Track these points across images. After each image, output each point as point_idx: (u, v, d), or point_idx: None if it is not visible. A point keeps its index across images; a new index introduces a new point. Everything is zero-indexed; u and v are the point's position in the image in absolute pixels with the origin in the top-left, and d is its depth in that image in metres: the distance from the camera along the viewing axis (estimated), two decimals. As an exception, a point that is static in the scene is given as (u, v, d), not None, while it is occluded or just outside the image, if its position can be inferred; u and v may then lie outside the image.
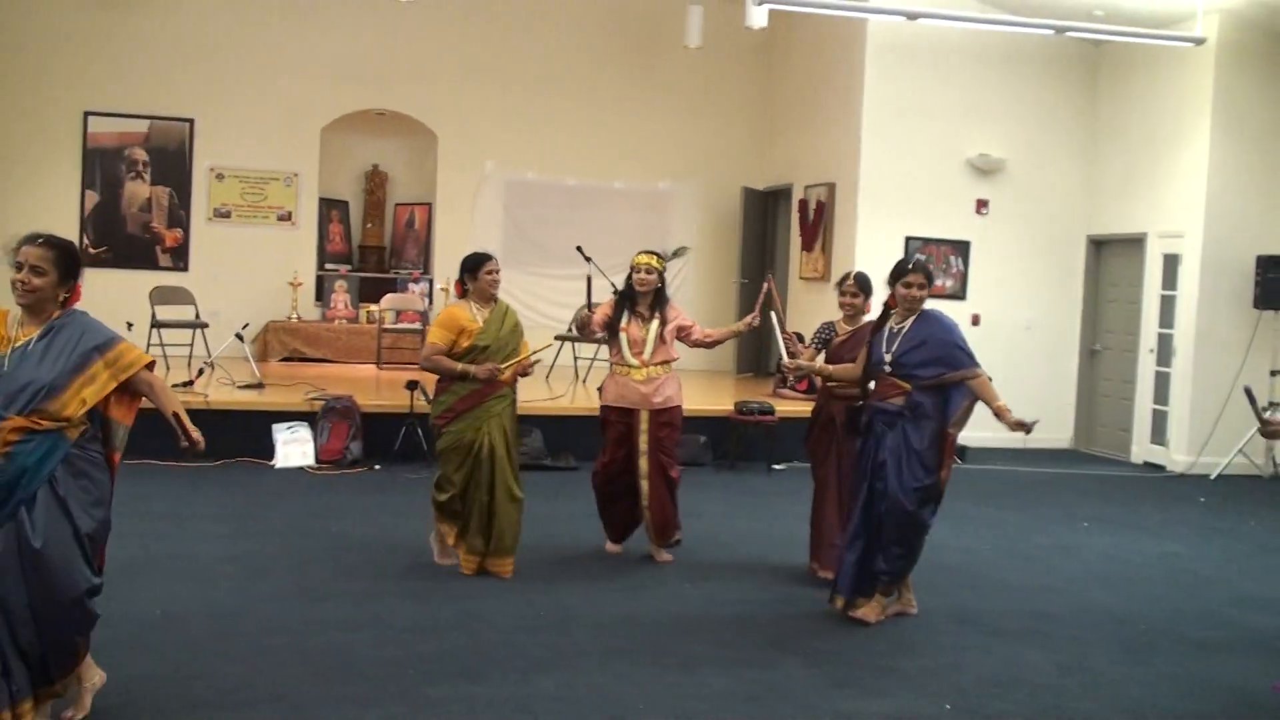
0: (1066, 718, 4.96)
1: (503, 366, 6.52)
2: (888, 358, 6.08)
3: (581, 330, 7.47)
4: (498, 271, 6.68)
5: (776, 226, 15.37)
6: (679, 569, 7.07)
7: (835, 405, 6.79)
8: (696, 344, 7.20)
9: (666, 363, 7.06)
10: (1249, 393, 5.75)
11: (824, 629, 6.03)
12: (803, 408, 11.52)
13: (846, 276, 7.07)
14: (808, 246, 13.79)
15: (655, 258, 7.07)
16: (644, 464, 6.99)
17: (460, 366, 6.47)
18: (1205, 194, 11.67)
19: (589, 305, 8.42)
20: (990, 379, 6.06)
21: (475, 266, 6.66)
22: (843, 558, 6.19)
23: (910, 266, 6.26)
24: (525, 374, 6.86)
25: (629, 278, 7.10)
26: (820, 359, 6.99)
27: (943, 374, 5.98)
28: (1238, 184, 11.73)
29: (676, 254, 7.24)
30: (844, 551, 6.19)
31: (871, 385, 6.25)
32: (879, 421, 6.07)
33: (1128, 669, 5.63)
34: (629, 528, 7.30)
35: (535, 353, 6.80)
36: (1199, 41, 11.31)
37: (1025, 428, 5.77)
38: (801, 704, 4.95)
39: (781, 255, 15.10)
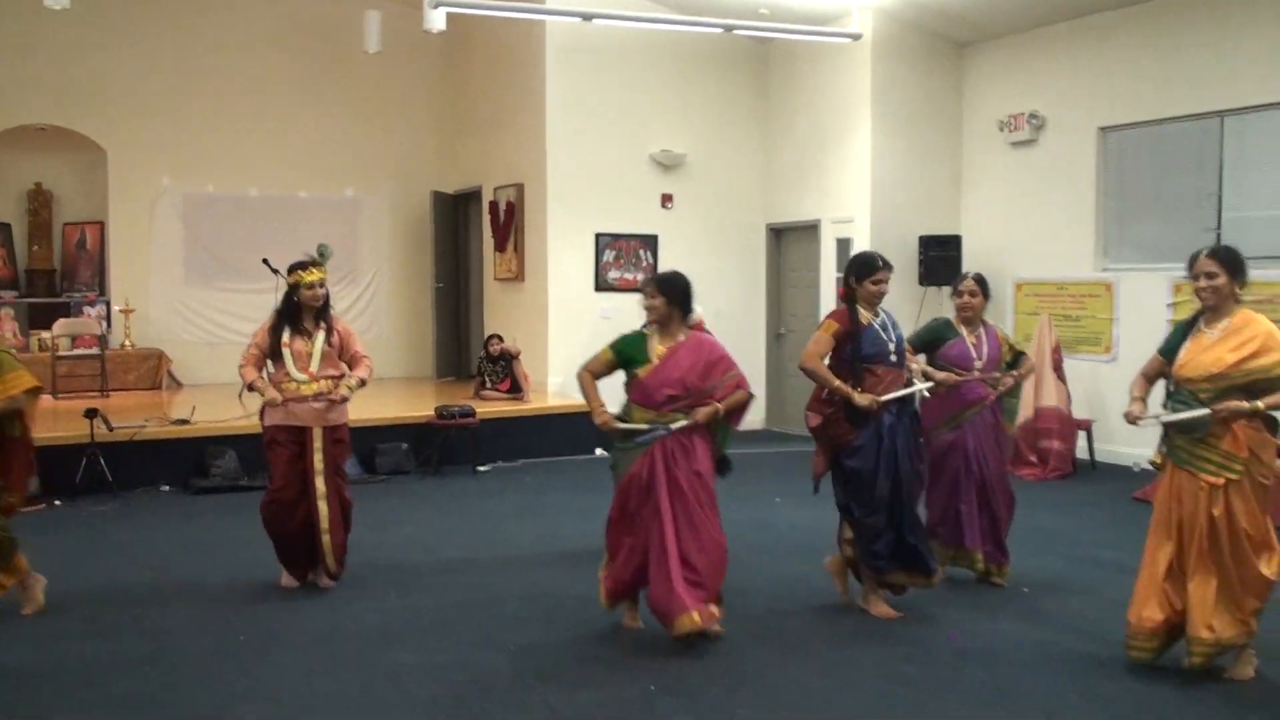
0: (764, 685, 5.17)
1: None
2: (891, 347, 6.11)
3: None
4: None
5: (469, 229, 15.38)
6: (383, 578, 6.96)
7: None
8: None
9: (335, 376, 6.63)
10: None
11: (528, 624, 6.08)
12: (505, 408, 11.63)
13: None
14: (500, 247, 13.84)
15: (320, 270, 6.63)
16: (321, 484, 6.55)
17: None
18: (870, 181, 12.40)
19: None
20: None
21: None
22: (924, 543, 6.20)
23: (881, 264, 6.18)
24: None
25: (290, 295, 6.61)
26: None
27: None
28: (898, 171, 12.52)
29: (323, 256, 6.87)
30: (923, 536, 6.24)
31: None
32: (889, 411, 6.06)
33: (819, 633, 5.94)
34: (311, 559, 6.71)
35: None
36: (856, 37, 12.00)
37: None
38: (510, 701, 4.98)
39: (475, 257, 15.13)
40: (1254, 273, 9.94)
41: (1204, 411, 4.97)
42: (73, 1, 10.38)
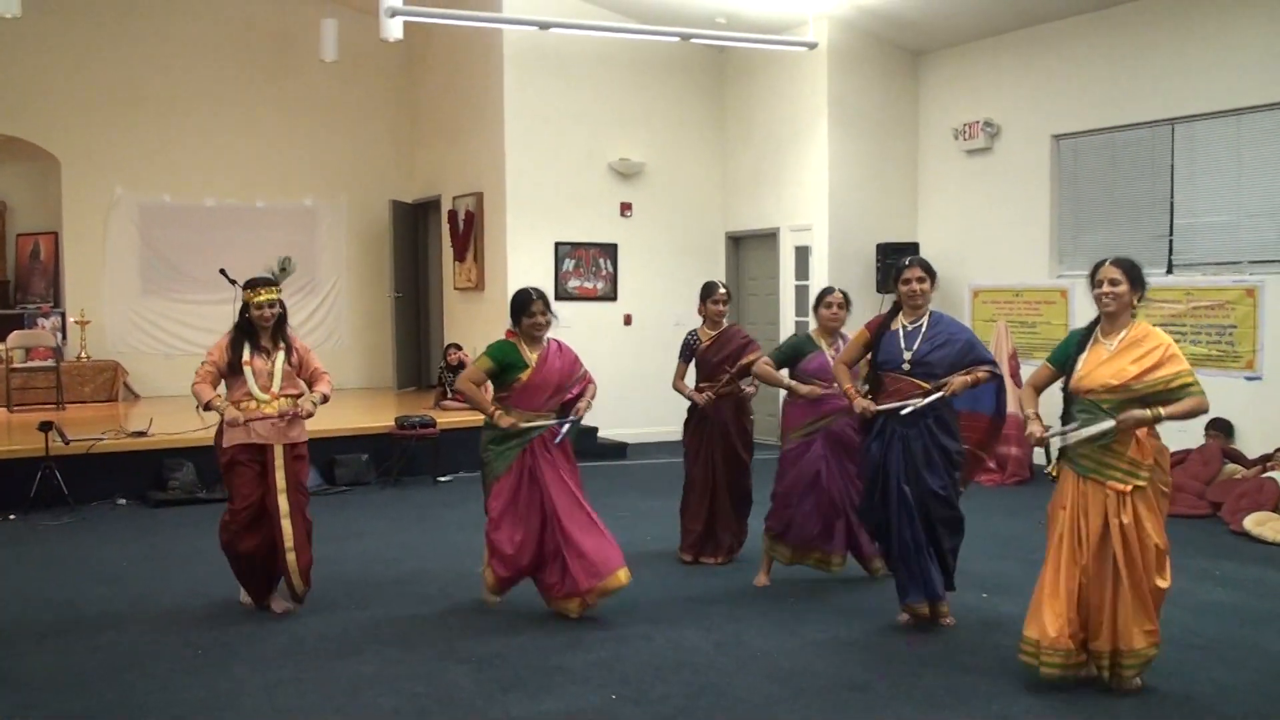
0: (723, 692, 5.20)
1: None
2: (907, 356, 5.96)
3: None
4: None
5: (428, 238, 15.35)
6: (343, 590, 6.93)
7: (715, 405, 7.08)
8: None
9: (295, 396, 6.52)
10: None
11: (489, 634, 6.08)
12: (465, 418, 11.60)
13: (714, 286, 7.61)
14: (460, 256, 13.83)
15: (273, 289, 6.51)
16: (284, 503, 6.41)
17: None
18: (828, 189, 12.48)
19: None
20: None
21: None
22: (909, 568, 5.99)
23: (907, 262, 6.15)
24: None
25: (244, 312, 6.52)
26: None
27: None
28: (855, 178, 12.61)
29: (285, 269, 6.83)
30: (910, 562, 5.98)
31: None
32: (895, 422, 5.92)
33: (779, 641, 5.96)
34: (272, 579, 6.58)
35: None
36: (812, 46, 12.08)
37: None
38: (472, 712, 4.98)
39: (434, 267, 15.10)
40: (1204, 278, 10.17)
41: (1109, 424, 5.00)
42: (25, 10, 10.28)
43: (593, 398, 6.61)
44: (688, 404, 7.74)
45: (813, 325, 7.28)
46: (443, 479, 10.88)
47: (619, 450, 12.19)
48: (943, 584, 6.07)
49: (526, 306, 6.39)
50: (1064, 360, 5.29)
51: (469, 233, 13.57)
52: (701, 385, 7.71)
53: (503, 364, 6.36)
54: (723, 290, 7.59)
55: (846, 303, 7.13)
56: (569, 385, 6.51)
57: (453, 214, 13.97)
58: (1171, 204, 10.61)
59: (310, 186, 14.99)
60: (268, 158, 14.67)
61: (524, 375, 6.33)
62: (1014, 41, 11.89)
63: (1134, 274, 5.14)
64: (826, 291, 7.16)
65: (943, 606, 6.13)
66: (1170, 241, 10.58)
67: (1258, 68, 9.85)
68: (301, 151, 14.84)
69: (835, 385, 6.63)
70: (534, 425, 6.34)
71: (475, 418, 11.68)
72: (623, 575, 6.27)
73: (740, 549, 7.68)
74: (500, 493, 6.36)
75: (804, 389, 6.95)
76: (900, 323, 6.09)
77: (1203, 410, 5.09)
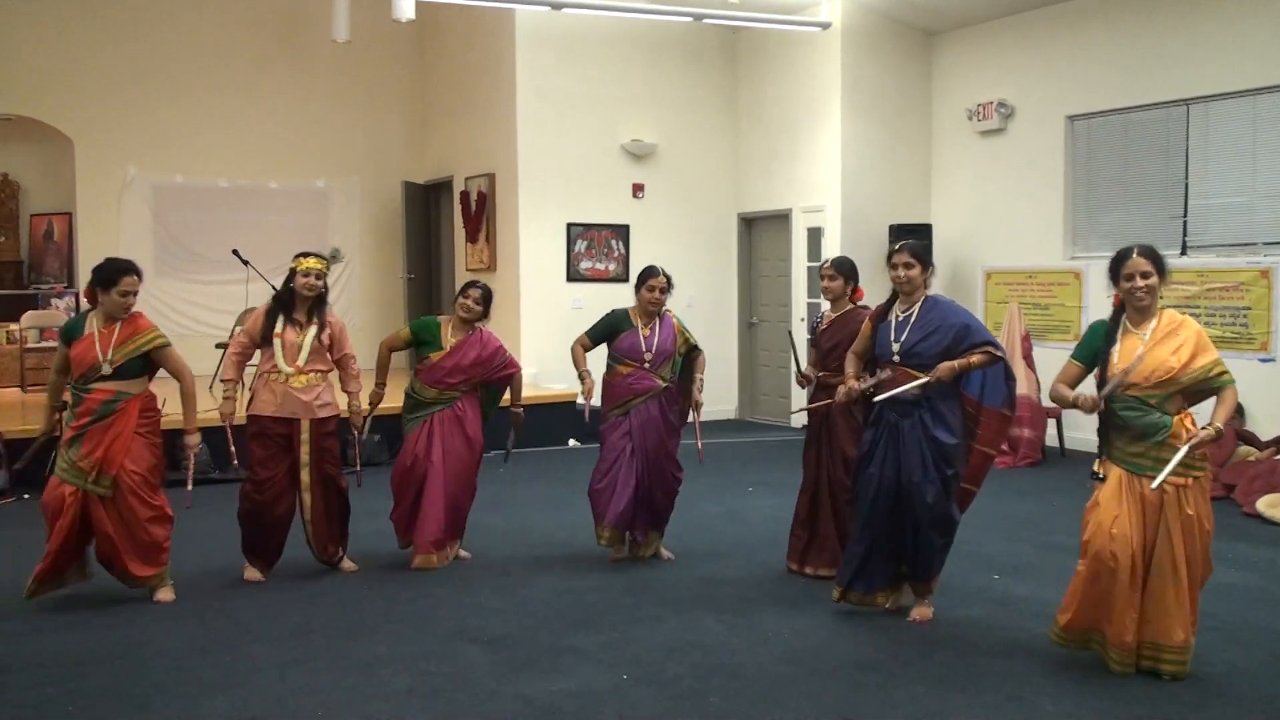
0: (735, 673, 5.21)
1: None
2: (896, 347, 5.78)
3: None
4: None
5: (440, 219, 15.34)
6: (356, 571, 6.97)
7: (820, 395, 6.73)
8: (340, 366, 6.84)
9: (323, 371, 6.70)
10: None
11: (501, 614, 6.10)
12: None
13: (826, 261, 7.00)
14: (472, 238, 13.82)
15: (321, 261, 6.72)
16: (306, 476, 6.62)
17: None
18: (841, 170, 12.45)
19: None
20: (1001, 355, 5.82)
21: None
22: (849, 549, 6.00)
23: (896, 247, 5.96)
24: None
25: (288, 281, 6.72)
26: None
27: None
28: (869, 159, 12.57)
29: (335, 258, 7.00)
30: (851, 543, 5.98)
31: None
32: (890, 412, 5.78)
33: (790, 622, 5.97)
34: (279, 551, 6.82)
35: None
36: (825, 26, 12.04)
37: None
38: (484, 692, 4.99)
39: (446, 248, 15.09)
40: (1218, 260, 10.13)
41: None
42: (38, -9, 10.30)
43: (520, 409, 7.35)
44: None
45: (632, 303, 7.18)
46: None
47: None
48: (885, 582, 5.95)
49: (465, 290, 7.03)
50: (1092, 355, 5.19)
51: (481, 214, 13.56)
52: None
53: (419, 339, 7.07)
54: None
55: (669, 286, 7.05)
56: (484, 374, 7.06)
57: (465, 195, 13.96)
58: (1186, 185, 10.56)
59: (323, 167, 14.99)
60: (280, 138, 14.67)
61: (434, 355, 6.96)
62: (1028, 21, 11.83)
63: (1160, 262, 5.04)
64: (650, 273, 7.06)
65: (879, 597, 5.98)
66: (1185, 223, 10.53)
67: (1273, 48, 9.78)
68: (314, 132, 14.84)
69: (646, 366, 6.87)
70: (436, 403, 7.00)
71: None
72: (419, 560, 6.91)
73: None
74: (403, 454, 7.04)
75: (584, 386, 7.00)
76: (895, 311, 5.91)
77: (1236, 398, 5.06)
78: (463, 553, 7.27)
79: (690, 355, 7.20)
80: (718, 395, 13.69)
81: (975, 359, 5.73)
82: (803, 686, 5.05)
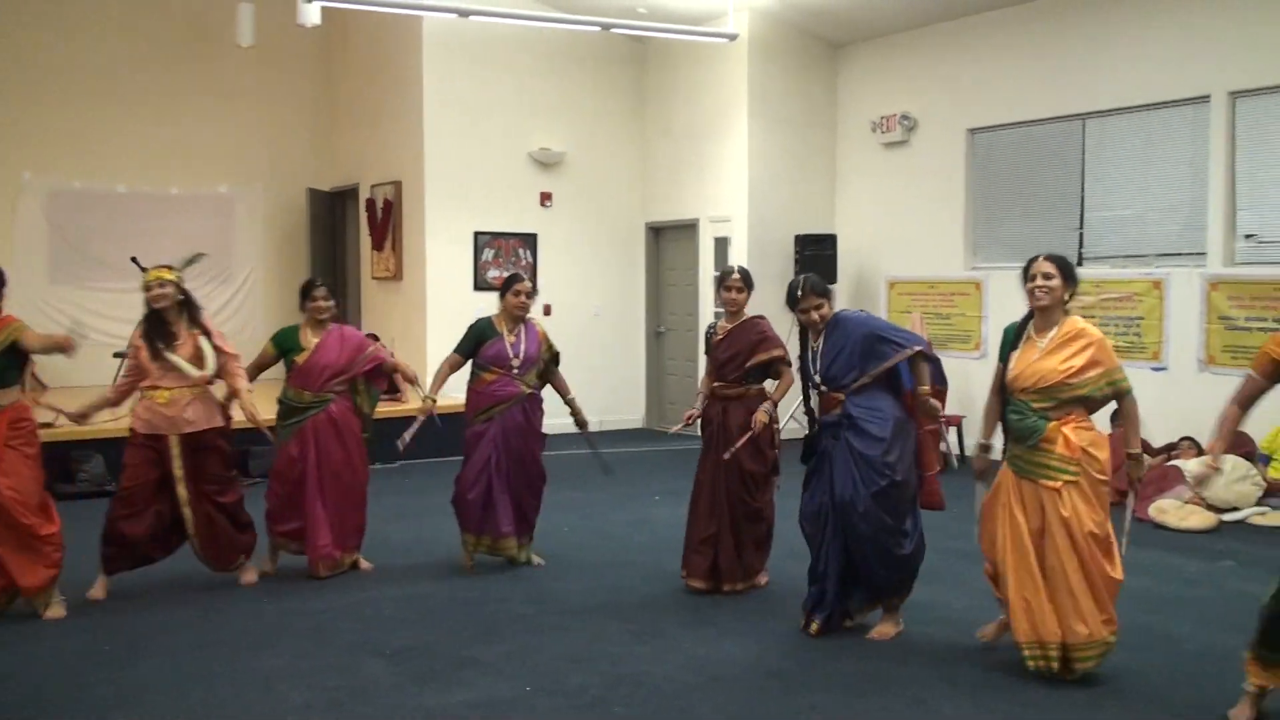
0: (640, 682, 5.21)
1: None
2: (817, 378, 5.87)
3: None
4: None
5: (346, 227, 15.18)
6: (256, 584, 6.86)
7: (715, 406, 6.69)
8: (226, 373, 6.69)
9: (191, 385, 6.48)
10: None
11: (403, 625, 6.05)
12: (382, 410, 11.46)
13: (732, 271, 6.76)
14: (378, 246, 13.70)
15: (166, 269, 6.54)
16: (183, 491, 6.47)
17: None
18: (748, 180, 12.56)
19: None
20: (926, 356, 5.81)
21: None
22: (811, 582, 5.94)
23: (799, 295, 5.88)
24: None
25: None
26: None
27: (865, 371, 5.72)
28: (775, 170, 12.69)
29: (191, 261, 6.80)
30: (811, 574, 5.94)
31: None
32: (826, 436, 5.84)
33: (697, 630, 5.99)
34: (135, 564, 6.62)
35: None
36: (732, 37, 12.12)
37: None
38: (385, 705, 4.94)
39: (352, 256, 14.94)
40: (1113, 271, 10.36)
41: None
42: (-74, -10, 10.01)
43: (411, 379, 7.49)
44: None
45: (496, 310, 7.25)
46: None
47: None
48: (859, 605, 5.95)
49: (309, 292, 7.07)
50: (1005, 357, 5.33)
51: (387, 222, 13.44)
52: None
53: (283, 348, 7.04)
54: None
55: (534, 292, 7.22)
56: (352, 367, 7.06)
57: (371, 202, 13.83)
58: (1082, 198, 10.81)
59: (226, 174, 14.72)
60: (182, 144, 14.37)
61: (299, 358, 6.94)
62: (931, 35, 12.04)
63: (1067, 269, 5.22)
64: (515, 279, 7.18)
65: (847, 622, 5.98)
66: (1081, 234, 10.78)
67: (1167, 66, 10.06)
68: (217, 138, 14.56)
69: (513, 372, 7.00)
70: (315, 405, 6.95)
71: (394, 410, 11.68)
72: (321, 567, 6.90)
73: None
74: (278, 468, 7.00)
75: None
76: (811, 345, 5.96)
77: (1136, 411, 5.20)
78: (364, 563, 7.18)
79: (550, 367, 7.29)
80: (625, 404, 13.74)
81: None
82: (707, 694, 5.07)
